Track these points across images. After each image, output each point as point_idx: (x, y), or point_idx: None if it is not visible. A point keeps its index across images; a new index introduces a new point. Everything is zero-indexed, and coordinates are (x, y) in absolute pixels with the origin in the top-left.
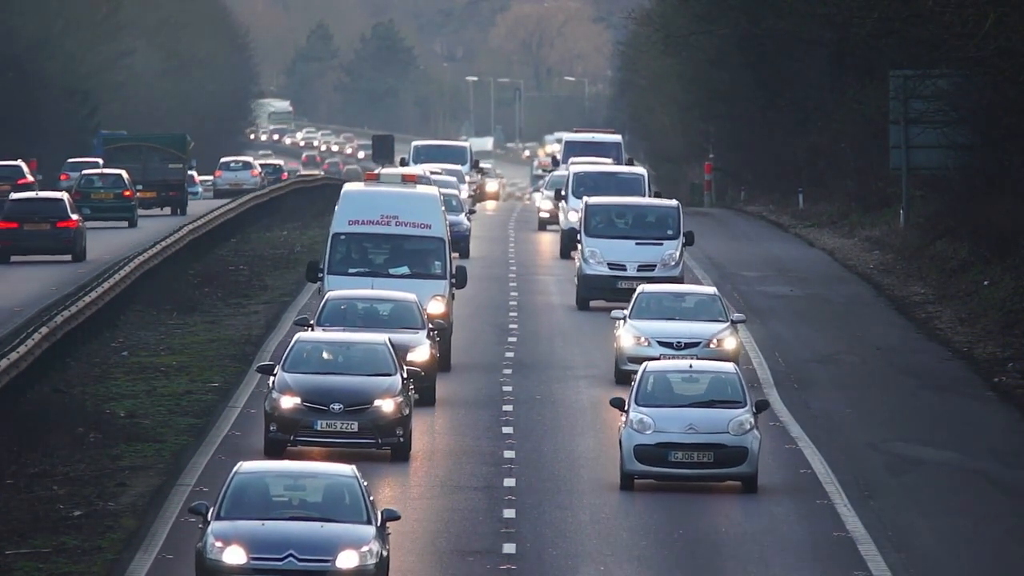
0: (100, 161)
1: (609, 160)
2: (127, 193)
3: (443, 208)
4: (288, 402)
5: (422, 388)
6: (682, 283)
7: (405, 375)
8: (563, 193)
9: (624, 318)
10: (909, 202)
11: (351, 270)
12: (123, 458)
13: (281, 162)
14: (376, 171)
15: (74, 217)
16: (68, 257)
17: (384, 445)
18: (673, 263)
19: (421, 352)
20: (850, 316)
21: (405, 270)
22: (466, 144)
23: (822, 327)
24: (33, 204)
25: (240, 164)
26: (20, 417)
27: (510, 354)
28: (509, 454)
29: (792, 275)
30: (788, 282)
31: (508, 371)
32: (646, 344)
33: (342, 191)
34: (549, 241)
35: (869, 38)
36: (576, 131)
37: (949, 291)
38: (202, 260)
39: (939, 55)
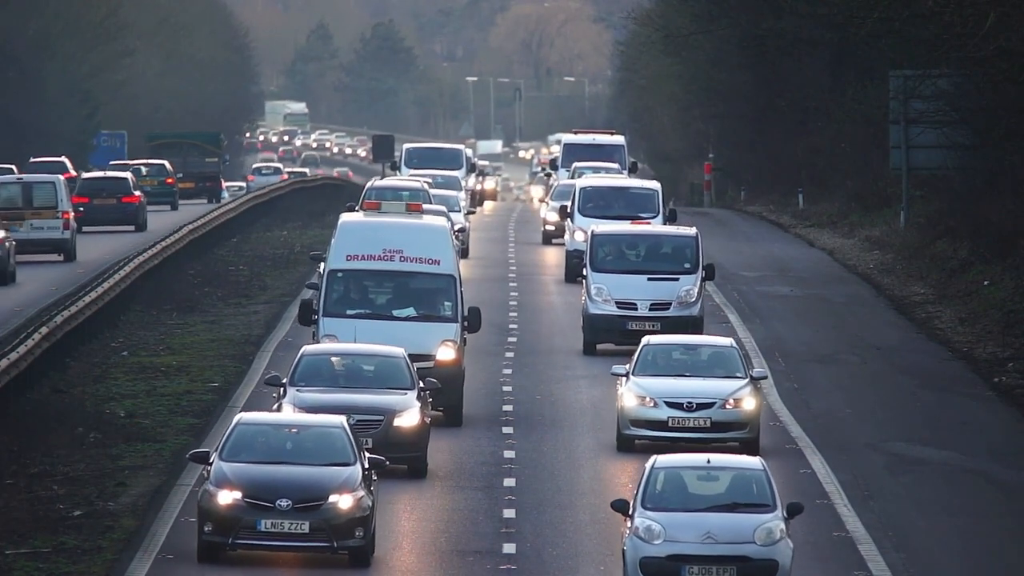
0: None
1: (614, 165)
2: (169, 180)
3: (454, 241)
4: (226, 497)
5: (411, 458)
6: (701, 324)
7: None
8: (569, 210)
9: (627, 374)
10: (909, 202)
11: (349, 312)
12: (123, 458)
13: (279, 165)
14: (377, 200)
15: (136, 193)
16: (131, 228)
17: (340, 549)
18: (691, 301)
19: (409, 417)
20: (850, 316)
21: (411, 312)
22: (461, 147)
23: (822, 327)
24: (101, 182)
25: (271, 170)
26: (20, 417)
27: (510, 354)
28: (509, 454)
29: (792, 275)
30: (788, 282)
31: (508, 371)
32: (652, 405)
33: (339, 222)
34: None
35: (869, 38)
36: (576, 132)
37: (949, 291)
38: (202, 260)
39: (939, 55)
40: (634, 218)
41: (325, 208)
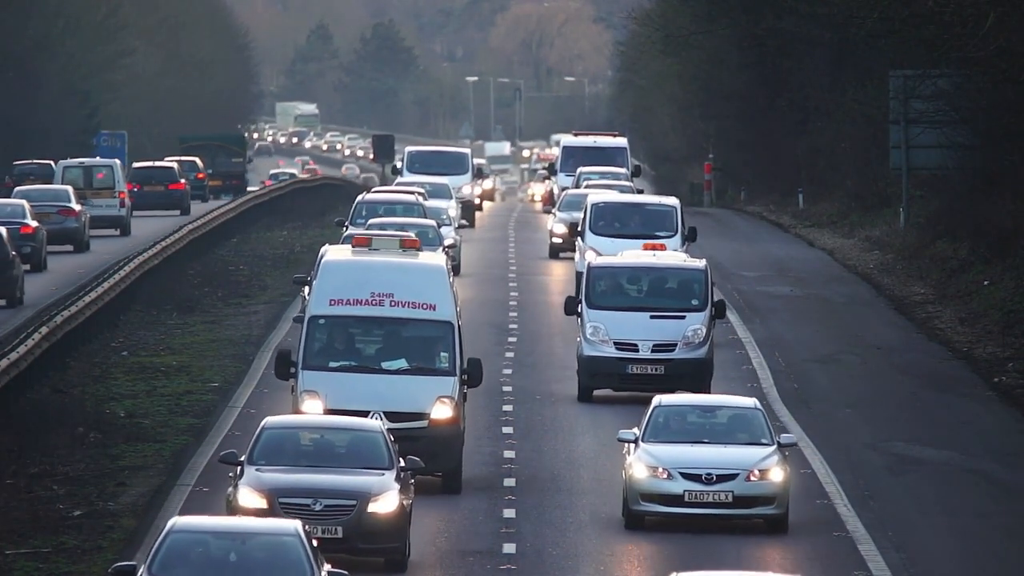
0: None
1: (622, 170)
2: (200, 176)
3: (452, 282)
4: None
5: (388, 550)
6: (711, 369)
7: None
8: (579, 227)
9: (635, 440)
10: (909, 202)
11: (332, 364)
12: (123, 458)
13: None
14: (368, 234)
15: (181, 181)
16: (177, 212)
17: None
18: (698, 341)
19: (386, 502)
20: (850, 316)
21: (403, 363)
22: (467, 150)
23: (822, 327)
24: (150, 171)
25: (287, 176)
26: (20, 417)
27: (510, 354)
28: (509, 454)
29: (792, 275)
30: (788, 282)
31: (508, 371)
32: (665, 477)
33: (322, 261)
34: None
35: (869, 38)
36: (576, 134)
37: (949, 291)
38: (202, 260)
39: (939, 55)
40: (649, 237)
41: (324, 208)
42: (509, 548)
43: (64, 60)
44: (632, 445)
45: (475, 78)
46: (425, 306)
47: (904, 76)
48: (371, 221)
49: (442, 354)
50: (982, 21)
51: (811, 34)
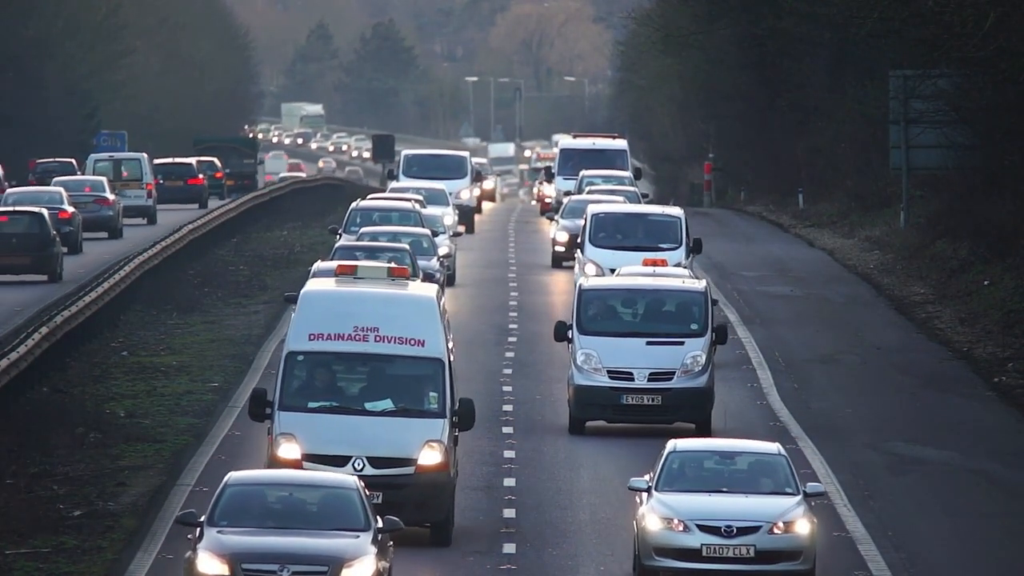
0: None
1: (626, 174)
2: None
3: (444, 315)
4: None
5: None
6: (711, 399)
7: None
8: (579, 239)
9: (648, 489)
10: (909, 202)
11: (311, 404)
12: (123, 458)
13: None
14: (352, 263)
15: (200, 176)
16: (195, 205)
17: None
18: (698, 369)
19: (362, 569)
20: (850, 316)
21: (388, 404)
22: (466, 153)
23: (822, 327)
24: (171, 167)
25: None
26: (20, 417)
27: (510, 354)
28: (509, 454)
29: (792, 275)
30: (788, 282)
31: (508, 371)
32: (681, 529)
33: (302, 293)
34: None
35: (869, 38)
36: (575, 136)
37: (949, 291)
38: (202, 260)
39: (939, 55)
40: (652, 249)
41: (324, 208)
42: (509, 548)
43: (64, 60)
44: (644, 494)
45: (475, 78)
46: (413, 342)
47: (904, 76)
48: (363, 230)
49: (431, 394)
50: (982, 21)
51: (811, 34)
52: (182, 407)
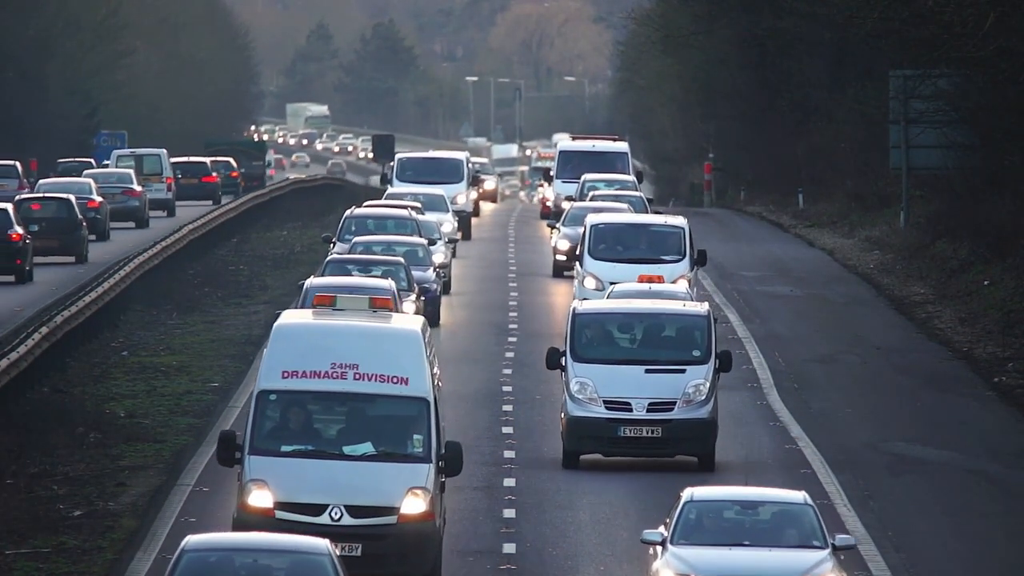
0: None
1: (629, 178)
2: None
3: (430, 350)
4: None
5: None
6: (714, 431)
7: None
8: (578, 251)
9: (662, 542)
10: (909, 202)
11: (285, 448)
12: (123, 458)
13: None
14: (330, 294)
15: (214, 174)
16: (209, 202)
17: None
18: (700, 399)
19: None
20: (850, 316)
21: (368, 448)
22: (462, 156)
23: (822, 327)
24: (185, 165)
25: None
26: (20, 417)
27: (510, 354)
28: (509, 454)
29: (792, 275)
30: (788, 282)
31: (508, 371)
32: None
33: (274, 326)
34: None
35: (869, 38)
36: (575, 138)
37: (949, 291)
38: (202, 260)
39: (939, 55)
40: (655, 262)
41: (324, 208)
42: (509, 548)
43: (64, 60)
44: (659, 548)
45: (475, 78)
46: (396, 379)
47: (904, 76)
48: (357, 239)
49: (415, 437)
50: (982, 21)
51: (811, 34)
52: (182, 407)
